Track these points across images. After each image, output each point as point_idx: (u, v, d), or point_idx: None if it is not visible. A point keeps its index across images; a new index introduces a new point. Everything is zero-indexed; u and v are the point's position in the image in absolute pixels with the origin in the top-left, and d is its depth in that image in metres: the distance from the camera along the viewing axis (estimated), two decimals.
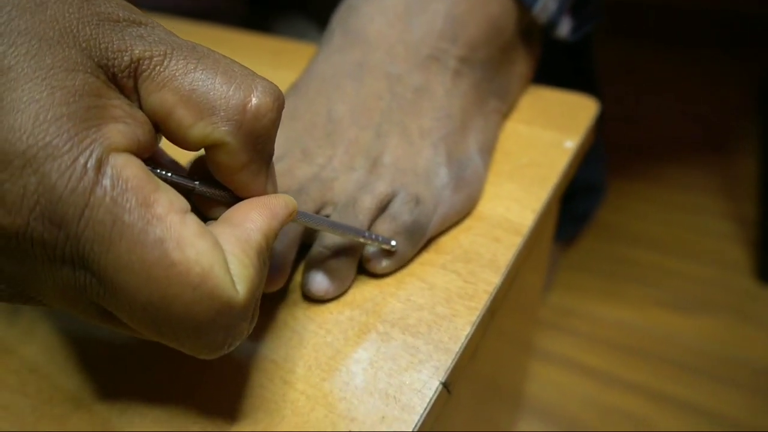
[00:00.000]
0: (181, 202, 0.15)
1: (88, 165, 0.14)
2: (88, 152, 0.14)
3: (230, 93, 0.16)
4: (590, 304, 0.76)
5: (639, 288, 0.77)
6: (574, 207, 0.73)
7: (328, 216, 0.25)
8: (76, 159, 0.13)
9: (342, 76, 0.28)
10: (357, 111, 0.27)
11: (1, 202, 0.13)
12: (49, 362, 0.23)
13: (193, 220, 0.15)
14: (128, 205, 0.14)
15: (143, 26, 0.16)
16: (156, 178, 0.15)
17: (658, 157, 0.97)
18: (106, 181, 0.14)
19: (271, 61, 0.41)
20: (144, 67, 0.16)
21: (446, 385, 0.21)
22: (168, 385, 0.22)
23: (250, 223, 0.17)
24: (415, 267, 0.25)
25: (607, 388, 0.67)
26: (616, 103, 1.04)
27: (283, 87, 0.33)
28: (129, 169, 0.14)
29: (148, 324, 0.15)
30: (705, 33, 1.19)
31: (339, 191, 0.25)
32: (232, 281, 0.15)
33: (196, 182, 0.18)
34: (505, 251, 0.25)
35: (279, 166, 0.26)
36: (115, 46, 0.15)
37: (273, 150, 0.18)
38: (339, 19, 0.30)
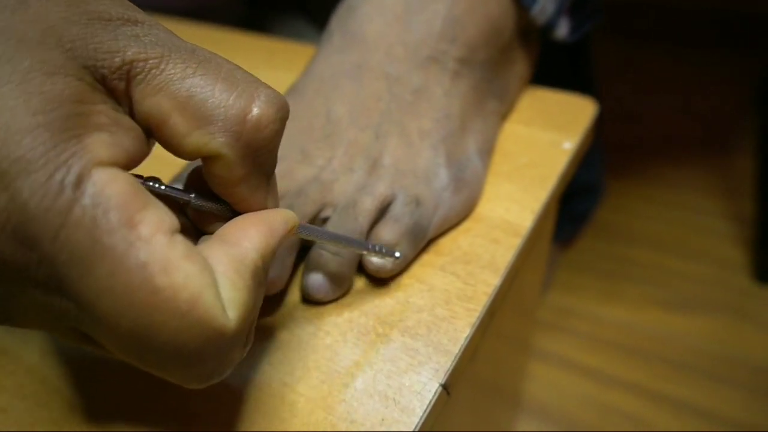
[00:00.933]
0: (171, 220, 0.14)
1: (66, 181, 0.12)
2: (65, 167, 0.12)
3: (230, 101, 0.15)
4: (589, 303, 0.76)
5: (637, 287, 0.77)
6: (573, 207, 0.73)
7: (327, 218, 0.25)
8: (51, 175, 0.12)
9: (341, 76, 0.28)
10: (356, 112, 0.27)
11: None
12: (46, 365, 0.23)
13: (181, 240, 0.14)
14: (110, 226, 0.13)
15: (139, 25, 0.15)
16: (144, 194, 0.14)
17: (656, 156, 0.97)
18: (86, 200, 0.13)
19: (267, 62, 0.41)
20: (138, 69, 0.15)
21: (446, 387, 0.21)
22: (165, 388, 0.22)
23: (246, 241, 0.16)
24: (414, 268, 0.25)
25: (605, 388, 0.67)
26: (614, 103, 1.04)
27: (280, 87, 0.33)
28: (113, 185, 0.13)
29: (131, 352, 0.14)
30: (704, 32, 1.19)
31: (338, 193, 0.25)
32: (223, 307, 0.14)
33: (192, 195, 0.17)
34: (504, 252, 0.25)
35: (278, 167, 0.25)
36: (105, 46, 0.14)
37: (275, 163, 0.17)
38: (338, 20, 0.30)
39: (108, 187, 0.13)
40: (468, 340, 0.22)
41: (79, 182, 0.13)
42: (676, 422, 0.63)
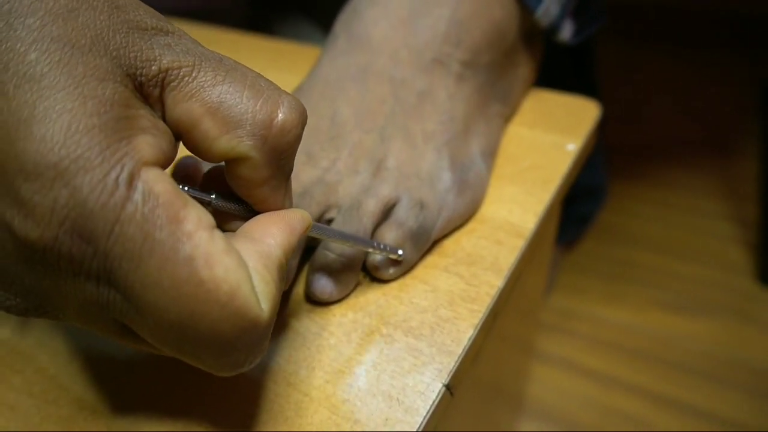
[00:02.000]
0: (208, 218, 0.15)
1: (120, 179, 0.13)
2: (119, 166, 0.13)
3: (257, 107, 0.16)
4: (591, 306, 0.76)
5: (640, 290, 0.77)
6: (576, 209, 0.73)
7: (332, 219, 0.25)
8: (107, 173, 0.13)
9: (346, 79, 0.28)
10: (361, 114, 0.27)
11: (30, 214, 0.13)
12: (54, 364, 0.23)
13: (220, 236, 0.15)
14: (159, 222, 0.14)
15: (170, 35, 0.16)
16: (184, 194, 0.15)
17: (659, 158, 0.97)
18: (138, 197, 0.13)
19: (271, 63, 0.41)
20: (172, 77, 0.16)
21: (449, 387, 0.21)
22: (172, 387, 0.22)
23: (270, 238, 0.17)
24: (418, 270, 0.25)
25: (608, 390, 0.67)
26: (616, 105, 1.04)
27: (284, 89, 0.34)
28: (160, 184, 0.14)
29: (171, 342, 0.15)
30: (706, 34, 1.19)
31: (343, 194, 0.25)
32: (258, 299, 0.15)
33: (213, 196, 0.18)
34: (507, 254, 0.26)
35: None
36: (144, 55, 0.15)
37: (293, 165, 0.18)
38: (343, 23, 0.30)
39: (156, 185, 0.14)
40: (471, 340, 0.23)
41: (131, 180, 0.14)
42: (677, 424, 0.63)
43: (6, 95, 0.13)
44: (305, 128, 0.27)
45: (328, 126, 0.27)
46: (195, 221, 0.14)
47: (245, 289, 0.15)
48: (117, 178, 0.13)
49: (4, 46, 0.13)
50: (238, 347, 0.15)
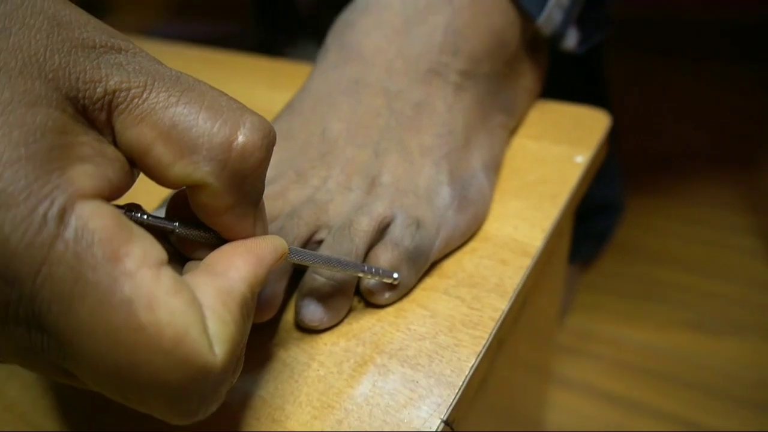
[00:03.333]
0: (157, 252, 0.14)
1: (48, 215, 0.12)
2: (48, 201, 0.12)
3: (214, 130, 0.15)
4: (612, 326, 0.73)
5: (662, 309, 0.74)
6: (592, 226, 0.71)
7: (322, 241, 0.23)
8: (34, 209, 0.12)
9: (337, 93, 0.27)
10: (353, 129, 0.26)
11: None
12: (25, 401, 0.22)
13: (168, 274, 0.13)
14: (93, 261, 0.12)
15: (123, 53, 0.15)
16: (130, 226, 0.13)
17: (678, 171, 0.94)
18: (69, 234, 0.12)
19: (269, 82, 0.40)
20: (120, 99, 0.14)
21: (449, 423, 0.19)
22: (147, 423, 0.20)
23: (233, 271, 0.15)
24: (416, 293, 0.24)
25: (631, 416, 0.64)
26: (632, 118, 1.02)
27: (280, 108, 0.32)
28: (96, 219, 0.13)
29: (113, 389, 0.14)
30: (718, 45, 1.18)
31: (334, 214, 0.24)
32: (210, 343, 0.14)
33: (176, 224, 0.16)
34: (512, 274, 0.24)
35: (271, 188, 0.24)
36: (87, 75, 0.14)
37: (262, 189, 0.17)
38: (334, 35, 0.29)
39: (92, 220, 0.13)
40: (473, 370, 0.21)
41: (62, 216, 0.12)
42: None
43: None
44: (295, 145, 0.26)
45: (319, 142, 0.26)
46: (138, 258, 0.13)
47: (194, 333, 0.13)
48: (45, 213, 0.12)
49: None
50: (189, 395, 0.14)
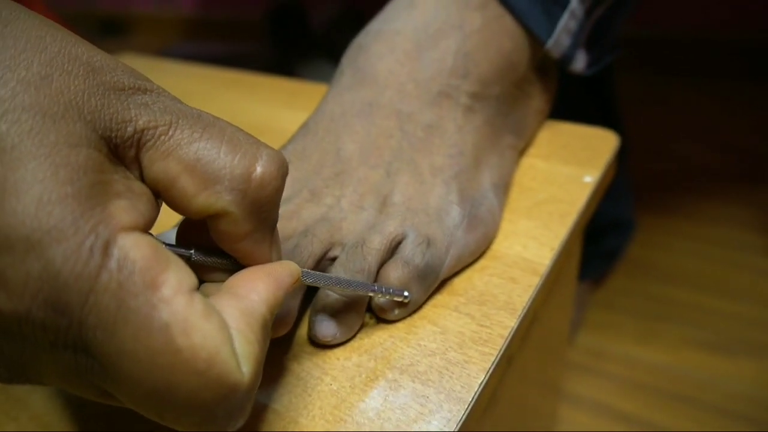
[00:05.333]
0: (190, 278, 0.15)
1: (94, 248, 0.13)
2: (93, 235, 0.13)
3: (235, 162, 0.16)
4: (623, 345, 0.72)
5: (675, 328, 0.74)
6: (603, 244, 0.71)
7: (335, 258, 0.24)
8: (82, 242, 0.13)
9: (351, 115, 0.28)
10: (366, 150, 0.27)
11: (2, 287, 0.13)
12: (49, 412, 0.23)
13: (200, 299, 0.14)
14: (134, 289, 0.13)
15: (149, 93, 0.16)
16: (167, 255, 0.14)
17: (690, 190, 0.94)
18: (113, 264, 0.13)
19: (287, 103, 0.41)
20: (148, 137, 0.15)
21: None
22: None
23: (255, 294, 0.17)
24: (426, 310, 0.24)
25: None
26: (644, 137, 1.02)
27: (298, 128, 0.33)
28: (136, 249, 0.14)
29: (150, 408, 0.15)
30: (729, 65, 1.18)
31: (347, 232, 0.24)
32: (238, 363, 0.15)
33: (192, 251, 0.18)
34: (521, 292, 0.24)
35: (286, 207, 0.25)
36: (120, 116, 0.15)
37: (277, 217, 0.18)
38: (349, 59, 0.30)
39: (132, 251, 0.14)
40: (482, 386, 0.21)
41: (106, 248, 0.13)
42: None
43: None
44: (309, 165, 0.27)
45: (333, 162, 0.26)
46: (174, 286, 0.14)
47: (224, 355, 0.14)
48: (91, 246, 0.13)
49: None
50: (219, 413, 0.15)
